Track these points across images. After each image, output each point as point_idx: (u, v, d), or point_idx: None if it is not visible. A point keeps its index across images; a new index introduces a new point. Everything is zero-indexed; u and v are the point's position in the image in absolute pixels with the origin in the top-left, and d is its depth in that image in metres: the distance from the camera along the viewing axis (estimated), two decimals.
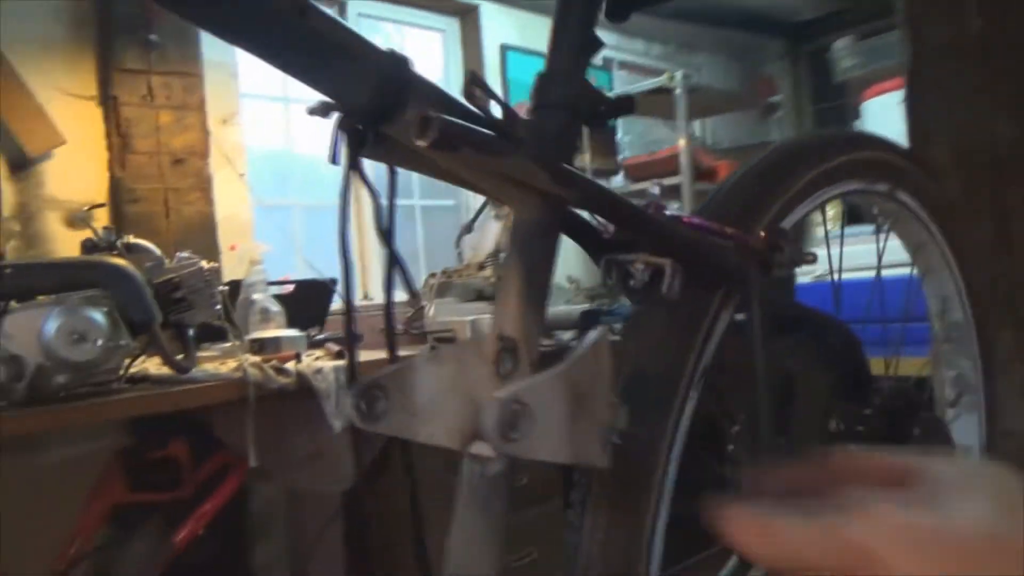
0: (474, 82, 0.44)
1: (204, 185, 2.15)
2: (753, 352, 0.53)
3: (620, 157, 3.47)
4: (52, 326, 1.36)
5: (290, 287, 2.10)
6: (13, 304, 1.39)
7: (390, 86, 0.42)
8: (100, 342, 1.40)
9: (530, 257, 0.50)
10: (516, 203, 0.50)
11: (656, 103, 3.04)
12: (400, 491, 1.94)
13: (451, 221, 2.91)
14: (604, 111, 0.51)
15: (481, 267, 2.44)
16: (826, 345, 0.59)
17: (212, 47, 2.17)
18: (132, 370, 1.55)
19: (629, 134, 3.83)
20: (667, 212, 0.58)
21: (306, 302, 2.13)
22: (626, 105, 0.52)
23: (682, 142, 2.94)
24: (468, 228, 2.45)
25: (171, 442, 1.78)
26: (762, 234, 0.60)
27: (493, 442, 0.36)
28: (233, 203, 2.22)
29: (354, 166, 0.44)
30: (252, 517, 2.04)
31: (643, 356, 0.58)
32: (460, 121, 0.42)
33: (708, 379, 0.60)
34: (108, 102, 2.01)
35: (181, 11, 0.35)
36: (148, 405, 1.48)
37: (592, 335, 0.40)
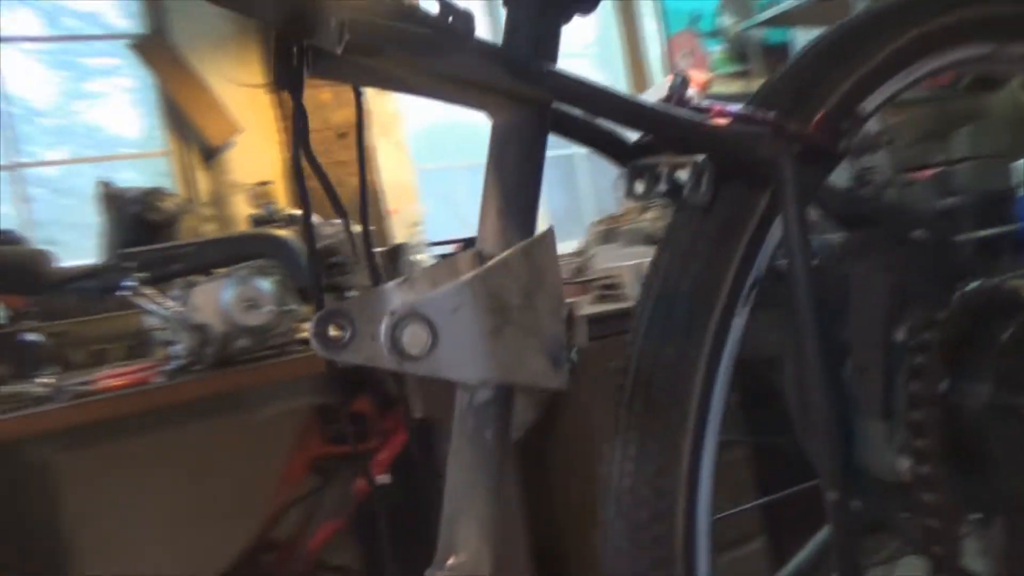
0: None
1: (369, 155, 2.26)
2: (788, 255, 0.45)
3: None
4: (228, 295, 1.50)
5: (451, 247, 2.16)
6: (198, 278, 1.56)
7: None
8: (270, 308, 1.52)
9: (508, 166, 0.45)
10: (488, 108, 0.46)
11: (832, 10, 2.72)
12: (570, 438, 1.95)
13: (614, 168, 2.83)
14: None
15: (644, 209, 2.35)
16: (905, 242, 0.48)
17: None
18: (305, 334, 1.68)
19: None
20: (695, 102, 0.50)
21: None
22: None
23: None
24: None
25: (358, 399, 1.91)
26: (817, 117, 0.50)
27: (388, 360, 0.33)
28: (396, 170, 2.31)
29: (291, 87, 0.42)
30: (434, 465, 2.15)
31: (674, 268, 0.51)
32: (379, 20, 0.39)
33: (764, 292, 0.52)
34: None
35: None
36: (318, 364, 1.59)
37: (530, 237, 0.35)
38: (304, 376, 2.11)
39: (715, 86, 2.82)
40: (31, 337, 1.82)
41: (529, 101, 0.45)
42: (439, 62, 0.41)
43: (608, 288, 2.07)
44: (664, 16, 2.97)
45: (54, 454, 1.93)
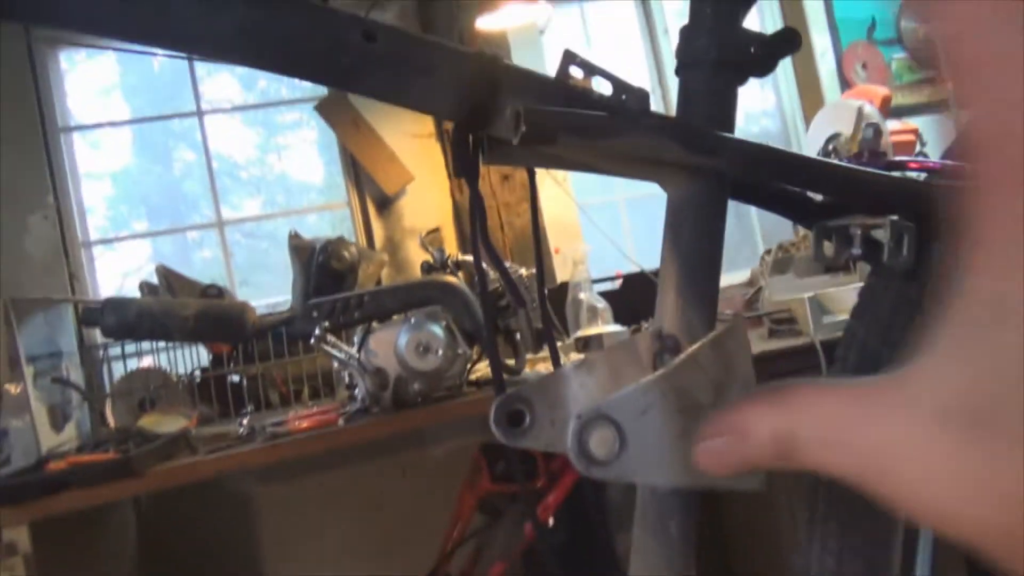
0: (570, 61, 0.40)
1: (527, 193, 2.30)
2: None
3: None
4: (403, 340, 1.57)
5: (618, 282, 2.14)
6: (375, 325, 1.64)
7: (479, 89, 0.40)
8: (441, 352, 1.58)
9: (685, 240, 0.43)
10: (663, 182, 0.44)
11: None
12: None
13: None
14: (760, 56, 0.42)
15: None
16: None
17: (521, 59, 2.31)
18: (475, 375, 1.72)
19: None
20: (892, 156, 0.46)
21: (636, 295, 2.15)
22: (787, 42, 0.43)
23: None
24: None
25: None
26: None
27: (576, 464, 0.32)
28: (558, 208, 2.33)
29: (468, 176, 0.42)
30: (612, 509, 2.12)
31: (873, 340, 0.47)
32: (552, 108, 0.39)
33: None
34: (442, 136, 2.26)
35: (247, 60, 0.38)
36: (487, 406, 1.62)
37: (718, 328, 0.33)
38: (475, 415, 2.16)
39: (898, 98, 2.62)
40: (234, 379, 2.00)
41: (705, 172, 0.43)
42: (614, 142, 0.40)
43: (781, 323, 1.96)
44: (835, 27, 2.81)
45: (253, 487, 2.10)
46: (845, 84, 2.68)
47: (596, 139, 0.39)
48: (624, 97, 0.40)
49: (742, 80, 0.44)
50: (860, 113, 1.79)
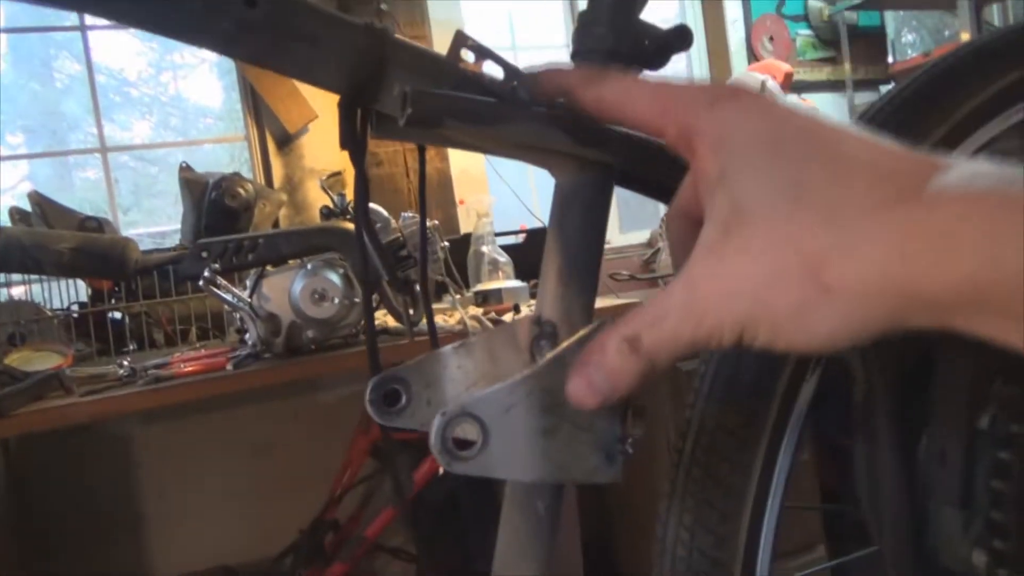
0: (461, 43, 0.39)
1: (441, 150, 2.26)
2: None
3: (891, 61, 3.01)
4: (298, 287, 1.54)
5: (521, 237, 2.15)
6: (269, 269, 1.59)
7: (366, 64, 0.39)
8: (337, 300, 1.55)
9: (569, 228, 0.44)
10: (551, 168, 0.44)
11: None
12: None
13: None
14: (653, 49, 0.43)
15: None
16: None
17: (437, 6, 2.25)
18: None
19: (919, 31, 3.30)
20: None
21: (538, 250, 2.17)
22: (679, 39, 0.43)
23: (965, 35, 2.46)
24: None
25: None
26: None
27: (438, 459, 0.33)
28: (465, 159, 2.31)
29: (353, 151, 0.41)
30: None
31: None
32: (442, 92, 0.38)
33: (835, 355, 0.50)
34: None
35: (120, 17, 0.35)
36: (383, 356, 1.62)
37: (584, 329, 0.34)
38: (363, 367, 2.15)
39: (799, 74, 2.70)
40: (115, 316, 1.90)
41: (592, 163, 0.43)
42: (501, 130, 0.40)
43: None
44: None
45: (132, 428, 2.03)
46: (752, 55, 2.75)
47: (483, 125, 0.38)
48: (515, 84, 0.39)
49: (635, 72, 0.45)
50: (762, 87, 1.84)
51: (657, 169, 0.45)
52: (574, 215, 0.44)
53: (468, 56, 0.39)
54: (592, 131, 0.40)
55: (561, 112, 0.40)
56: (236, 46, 0.37)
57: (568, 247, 0.44)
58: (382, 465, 2.01)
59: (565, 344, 0.34)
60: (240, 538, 2.03)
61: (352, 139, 0.40)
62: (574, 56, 0.45)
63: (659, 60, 0.43)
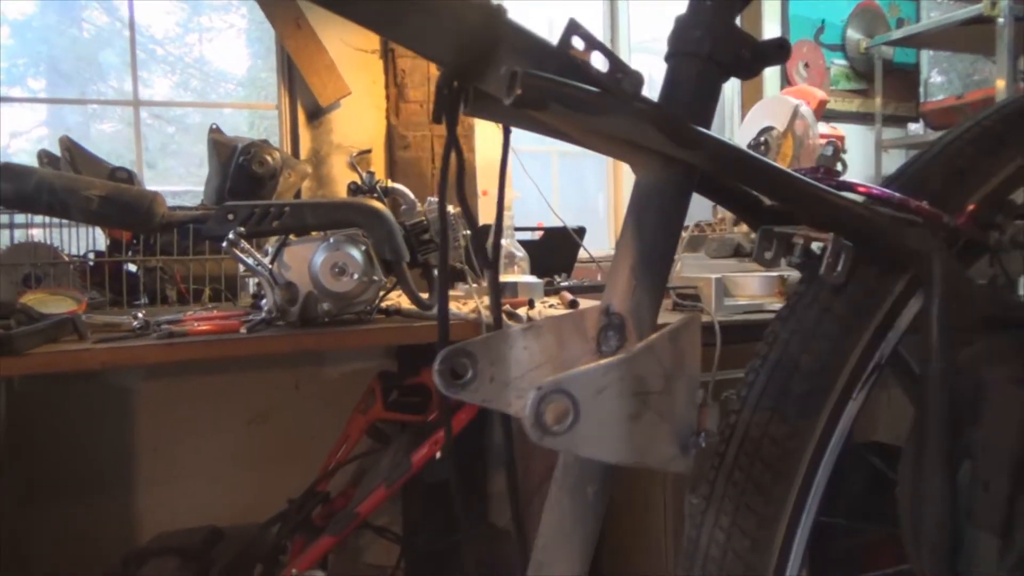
0: (573, 31, 0.40)
1: (466, 132, 2.27)
2: (926, 351, 0.43)
3: (922, 100, 3.02)
4: (319, 259, 1.54)
5: (539, 233, 2.16)
6: (292, 238, 1.60)
7: (478, 41, 0.39)
8: (356, 276, 1.56)
9: (647, 225, 0.45)
10: (635, 164, 0.45)
11: (974, 35, 2.58)
12: None
13: None
14: (748, 58, 0.44)
15: (738, 222, 2.30)
16: None
17: None
18: (386, 304, 1.71)
19: (948, 73, 3.31)
20: (840, 179, 0.49)
21: (554, 249, 2.18)
22: (776, 52, 0.44)
23: (1001, 83, 2.47)
24: None
25: (423, 371, 1.95)
26: (969, 208, 0.48)
27: (530, 432, 0.34)
28: (492, 150, 2.32)
29: (448, 122, 0.42)
30: (491, 449, 2.18)
31: (795, 345, 0.50)
32: (550, 76, 0.39)
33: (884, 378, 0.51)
34: (387, 54, 2.19)
35: None
36: (394, 336, 1.63)
37: (675, 321, 0.35)
38: (380, 344, 2.16)
39: (831, 103, 2.71)
40: (130, 268, 1.91)
41: (678, 163, 0.44)
42: (600, 119, 0.40)
43: (686, 298, 2.04)
44: (787, 22, 2.87)
45: (135, 382, 2.04)
46: (785, 80, 2.76)
47: (586, 114, 0.39)
48: (619, 77, 0.40)
49: (726, 78, 0.46)
50: (796, 112, 1.85)
51: (739, 180, 0.46)
52: (652, 213, 0.45)
53: (578, 44, 0.40)
54: (688, 133, 0.41)
55: (660, 111, 0.41)
56: (351, 7, 0.38)
57: (643, 244, 0.45)
58: (378, 444, 2.02)
59: (657, 335, 0.35)
60: (230, 502, 2.04)
61: (449, 110, 0.41)
62: (668, 58, 0.46)
63: (754, 70, 0.44)
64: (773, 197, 0.46)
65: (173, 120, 2.84)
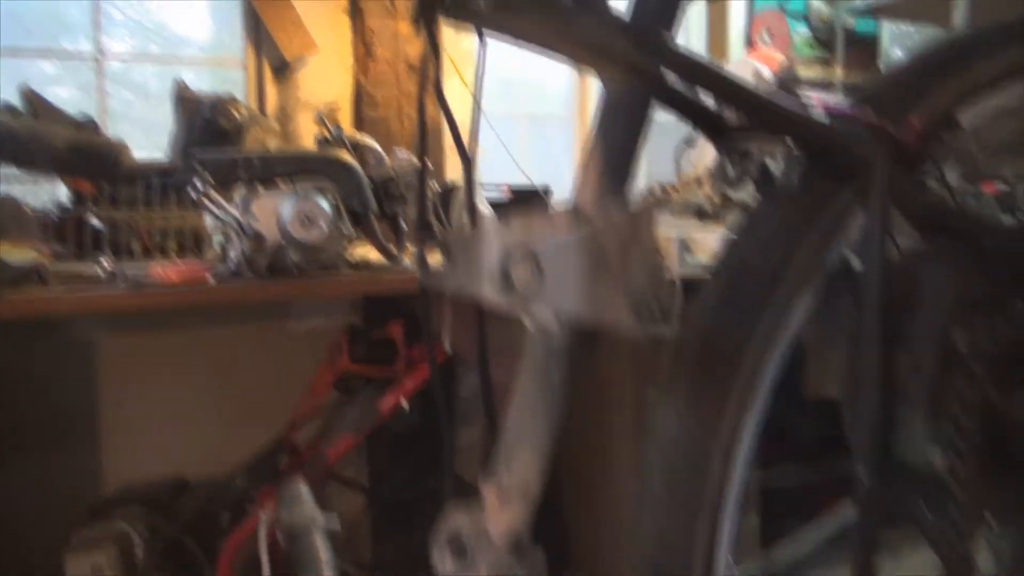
0: None
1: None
2: (866, 251, 0.47)
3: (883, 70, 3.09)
4: (287, 210, 1.55)
5: (506, 193, 2.19)
6: (260, 189, 1.60)
7: None
8: (325, 226, 1.57)
9: (613, 133, 0.48)
10: (601, 73, 0.48)
11: (928, 5, 2.65)
12: (583, 402, 1.99)
13: (676, 136, 2.81)
14: None
15: (700, 183, 2.35)
16: (977, 252, 0.50)
17: None
18: (353, 258, 1.73)
19: (901, 45, 3.38)
20: (800, 96, 0.53)
21: (521, 209, 2.21)
22: None
23: None
24: (688, 141, 2.35)
25: (390, 324, 1.97)
26: (913, 121, 0.52)
27: (498, 295, 0.37)
28: (461, 111, 2.32)
29: (427, 22, 0.45)
30: (458, 401, 2.22)
31: (747, 248, 0.54)
32: None
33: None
34: (355, 12, 2.19)
35: None
36: (362, 286, 1.66)
37: (636, 203, 0.39)
38: (348, 295, 2.18)
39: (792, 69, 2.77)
40: (94, 222, 1.89)
41: (643, 72, 0.47)
42: (571, 26, 0.43)
43: None
44: None
45: (99, 334, 2.03)
46: (750, 45, 2.81)
47: (559, 19, 0.42)
48: None
49: None
50: (756, 73, 1.90)
51: (706, 88, 0.49)
52: (620, 119, 0.48)
53: None
54: (652, 41, 0.44)
55: (626, 21, 0.44)
56: None
57: (610, 148, 0.48)
58: (345, 397, 2.04)
59: (619, 213, 0.38)
60: (196, 454, 2.04)
61: (427, 15, 0.44)
62: None
63: None
64: (735, 107, 0.50)
65: (133, 87, 2.79)
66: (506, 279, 0.37)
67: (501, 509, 0.48)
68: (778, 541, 1.22)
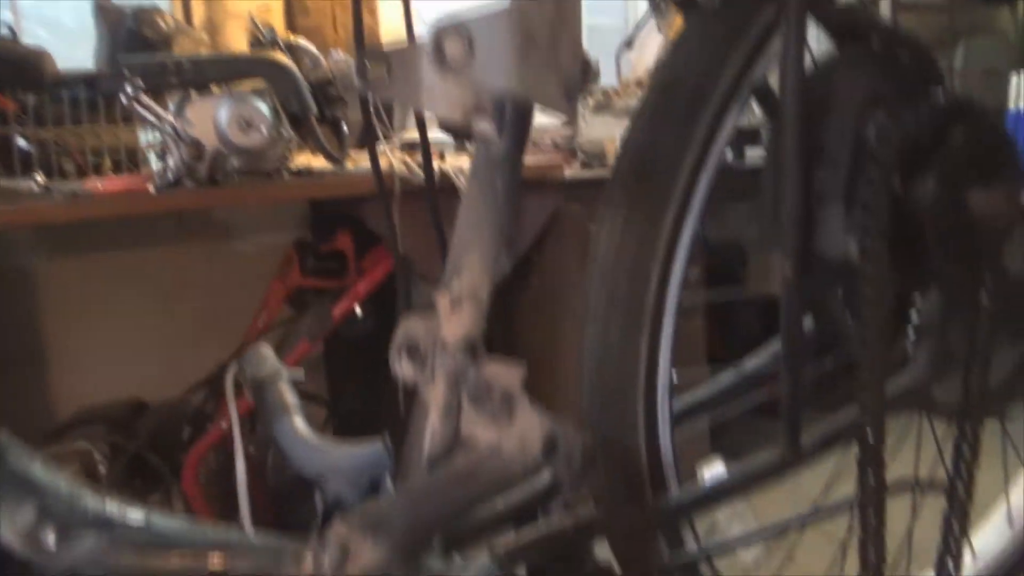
0: None
1: (369, 1, 2.22)
2: (783, 62, 0.50)
3: None
4: (224, 114, 1.52)
5: None
6: (193, 95, 1.56)
7: None
8: (265, 130, 1.54)
9: None
10: None
11: None
12: (542, 295, 2.04)
13: (616, 40, 2.81)
14: None
15: (640, 85, 2.37)
16: (887, 57, 0.54)
17: None
18: (295, 166, 1.71)
19: None
20: None
21: None
22: None
23: None
24: (628, 44, 2.36)
25: (339, 236, 1.96)
26: None
27: (431, 68, 0.39)
28: (397, 18, 2.28)
29: None
30: (409, 305, 2.25)
31: (678, 66, 0.57)
32: None
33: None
34: None
35: None
36: (306, 190, 1.65)
37: None
38: (287, 210, 2.16)
39: None
40: (20, 142, 1.82)
41: None
42: None
43: (595, 156, 2.11)
44: None
45: (36, 262, 1.98)
46: None
47: None
48: None
49: None
50: None
51: None
52: None
53: None
54: None
55: None
56: None
57: None
58: (298, 312, 2.05)
59: None
60: (150, 377, 2.03)
61: None
62: None
63: None
64: None
65: (46, 22, 2.63)
66: (440, 54, 0.38)
67: (454, 314, 0.51)
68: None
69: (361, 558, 0.43)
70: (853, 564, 0.57)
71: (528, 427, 0.45)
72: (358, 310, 1.82)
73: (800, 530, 0.73)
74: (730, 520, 0.71)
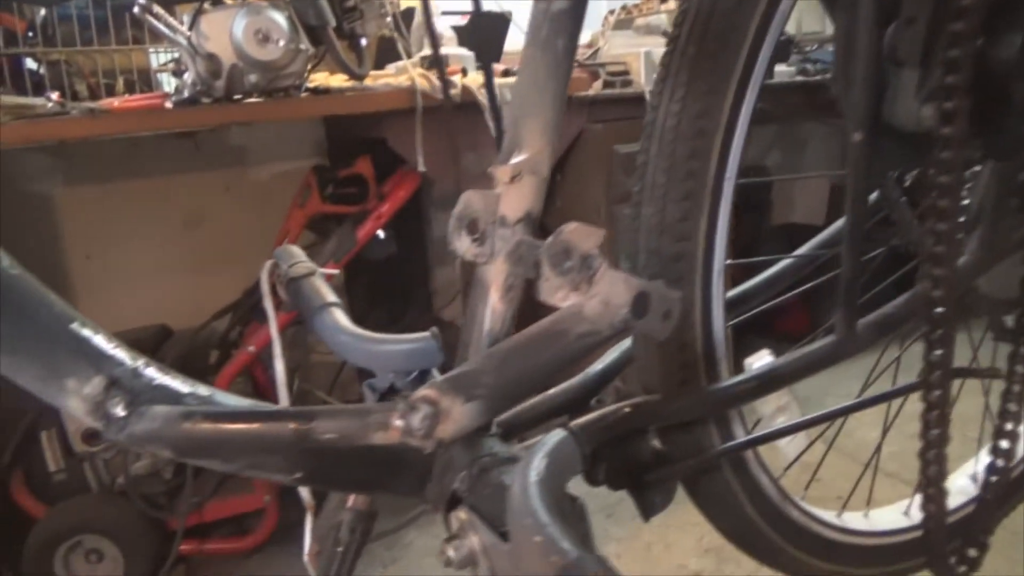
0: None
1: None
2: None
3: None
4: (240, 26, 1.47)
5: (464, 17, 2.11)
6: (206, 6, 1.52)
7: None
8: (282, 43, 1.50)
9: None
10: None
11: None
12: (567, 212, 2.02)
13: None
14: None
15: (663, 1, 2.29)
16: None
17: None
18: (313, 83, 1.67)
19: None
20: None
21: (481, 33, 2.13)
22: None
23: None
24: None
25: (358, 161, 1.93)
26: None
27: None
28: None
29: None
30: (432, 243, 2.24)
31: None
32: None
33: None
34: None
35: None
36: (326, 106, 1.61)
37: None
38: (304, 135, 2.13)
39: None
40: (30, 65, 1.78)
41: None
42: None
43: (617, 75, 2.06)
44: None
45: (54, 188, 1.96)
46: None
47: None
48: None
49: None
50: None
51: None
52: None
53: None
54: None
55: None
56: None
57: None
58: (319, 238, 2.04)
59: None
60: (173, 304, 2.04)
61: None
62: None
63: None
64: None
65: None
66: None
67: (513, 189, 0.49)
68: None
69: (454, 420, 0.42)
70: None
71: (612, 287, 0.43)
72: (380, 233, 1.81)
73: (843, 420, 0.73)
74: (775, 416, 0.70)
